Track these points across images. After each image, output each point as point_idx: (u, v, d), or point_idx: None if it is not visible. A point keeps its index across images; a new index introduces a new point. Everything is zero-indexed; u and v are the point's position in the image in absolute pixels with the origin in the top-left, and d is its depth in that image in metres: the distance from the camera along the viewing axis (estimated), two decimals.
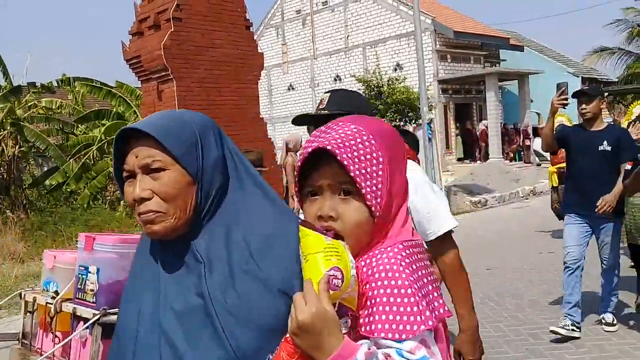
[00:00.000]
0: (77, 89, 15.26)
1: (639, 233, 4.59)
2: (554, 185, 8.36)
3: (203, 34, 9.39)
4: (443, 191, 12.16)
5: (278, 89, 26.68)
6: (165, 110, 1.19)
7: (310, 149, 0.98)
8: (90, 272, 2.29)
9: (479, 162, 20.22)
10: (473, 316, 1.94)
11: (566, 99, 4.21)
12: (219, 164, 1.11)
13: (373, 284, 0.94)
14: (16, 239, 9.26)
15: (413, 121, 14.83)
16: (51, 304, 2.43)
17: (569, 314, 4.32)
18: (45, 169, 15.73)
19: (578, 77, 25.81)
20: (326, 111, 1.84)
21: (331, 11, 24.18)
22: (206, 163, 1.09)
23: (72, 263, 2.46)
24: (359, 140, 0.97)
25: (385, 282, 0.92)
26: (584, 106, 4.35)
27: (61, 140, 15.13)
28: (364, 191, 0.95)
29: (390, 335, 0.89)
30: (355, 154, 0.96)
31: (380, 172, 0.97)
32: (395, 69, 21.14)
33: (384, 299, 0.91)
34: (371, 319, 0.92)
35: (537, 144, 12.60)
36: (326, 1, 24.21)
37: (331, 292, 0.87)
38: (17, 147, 13.11)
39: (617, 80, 22.86)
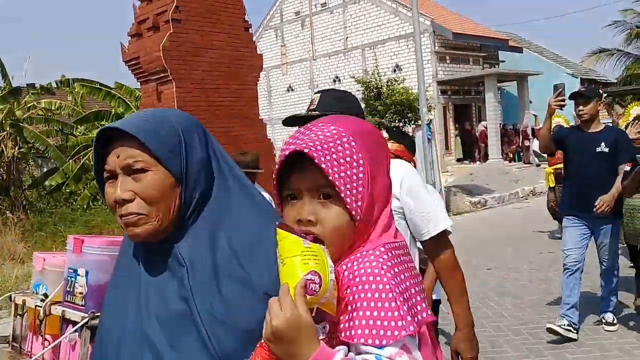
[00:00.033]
0: (76, 90, 15.29)
1: (636, 234, 4.59)
2: (551, 185, 8.40)
3: (202, 36, 9.40)
4: (442, 192, 12.19)
5: (277, 90, 26.70)
6: (149, 109, 1.18)
7: (287, 152, 0.95)
8: (79, 275, 2.26)
9: (478, 162, 20.25)
10: (469, 314, 1.96)
11: (563, 100, 4.21)
12: (204, 165, 1.08)
13: (354, 288, 0.91)
14: (16, 240, 9.26)
15: (412, 122, 14.85)
16: (40, 306, 2.40)
17: (566, 315, 4.30)
18: (45, 169, 15.74)
19: (577, 78, 25.87)
20: (317, 112, 1.83)
21: (330, 13, 24.21)
22: (190, 164, 1.06)
23: (61, 265, 2.42)
24: (338, 142, 0.94)
25: (366, 287, 0.90)
26: (581, 108, 4.34)
27: (61, 141, 15.14)
28: (343, 195, 0.92)
29: (370, 341, 0.87)
30: (335, 156, 0.93)
31: (360, 175, 0.94)
32: (394, 70, 21.16)
33: (364, 304, 0.89)
34: (351, 324, 0.89)
35: (536, 144, 12.59)
36: (325, 3, 24.24)
37: (308, 297, 0.85)
38: (16, 148, 13.12)
39: (616, 81, 22.90)
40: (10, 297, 2.80)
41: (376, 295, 0.89)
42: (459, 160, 21.23)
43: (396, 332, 0.87)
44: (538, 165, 18.01)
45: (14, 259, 8.31)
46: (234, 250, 1.04)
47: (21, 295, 2.70)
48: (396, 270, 0.93)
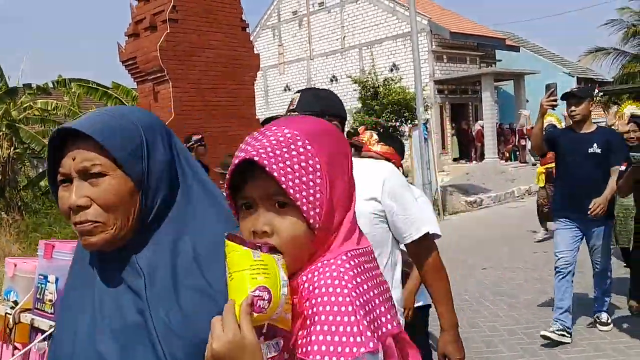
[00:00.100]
0: (73, 90, 15.24)
1: (627, 235, 4.59)
2: (541, 185, 8.45)
3: (199, 35, 9.39)
4: (439, 192, 12.21)
5: (274, 90, 26.68)
6: (108, 107, 1.11)
7: (236, 160, 0.88)
8: (49, 282, 2.18)
9: (474, 162, 20.27)
10: (453, 315, 1.97)
11: (555, 100, 4.20)
12: (167, 169, 1.01)
13: (313, 301, 0.85)
14: (11, 241, 9.24)
15: (409, 121, 14.85)
16: (10, 314, 2.33)
17: (559, 319, 4.26)
18: (41, 170, 15.68)
19: (573, 77, 25.92)
20: (296, 112, 1.80)
21: (327, 12, 24.20)
22: (152, 168, 0.99)
23: (32, 272, 2.34)
24: (292, 146, 0.88)
25: (325, 299, 0.84)
26: (573, 108, 4.31)
27: None
28: (299, 203, 0.86)
29: (326, 359, 0.81)
30: (288, 162, 0.86)
31: (318, 181, 0.88)
32: (392, 70, 21.16)
33: (322, 318, 0.83)
34: (308, 339, 0.84)
35: None
36: (322, 2, 24.23)
37: (255, 314, 0.80)
38: (12, 148, 13.08)
39: (612, 80, 22.93)
40: None
41: (335, 308, 0.83)
42: (455, 159, 21.25)
43: (355, 349, 0.81)
44: (534, 165, 18.01)
45: None
46: (198, 258, 0.99)
47: None
48: (359, 280, 0.88)
